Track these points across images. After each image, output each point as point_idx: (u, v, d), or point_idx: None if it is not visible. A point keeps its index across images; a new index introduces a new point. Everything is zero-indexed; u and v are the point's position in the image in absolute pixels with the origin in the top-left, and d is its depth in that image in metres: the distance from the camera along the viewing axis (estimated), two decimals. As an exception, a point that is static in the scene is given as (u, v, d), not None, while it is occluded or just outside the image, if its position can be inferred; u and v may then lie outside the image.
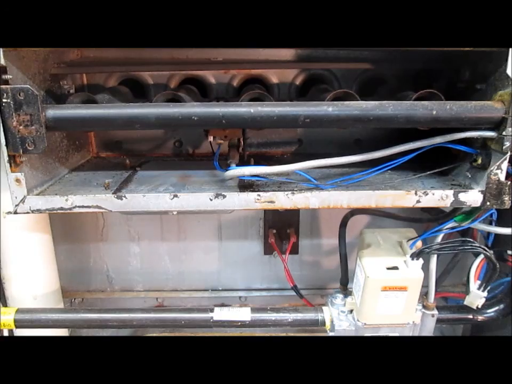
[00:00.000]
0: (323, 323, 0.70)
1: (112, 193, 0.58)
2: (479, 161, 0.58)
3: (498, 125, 0.55)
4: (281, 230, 0.93)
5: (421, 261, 0.65)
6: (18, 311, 0.69)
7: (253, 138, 0.70)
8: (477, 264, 0.70)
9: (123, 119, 0.53)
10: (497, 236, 0.72)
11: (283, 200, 0.58)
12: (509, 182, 0.56)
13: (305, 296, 0.88)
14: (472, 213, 0.65)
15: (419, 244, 0.68)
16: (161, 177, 0.66)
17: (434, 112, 0.53)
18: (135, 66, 0.73)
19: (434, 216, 0.73)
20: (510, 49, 0.53)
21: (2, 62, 0.50)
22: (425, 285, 0.68)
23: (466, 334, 0.92)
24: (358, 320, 0.68)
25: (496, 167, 0.56)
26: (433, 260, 0.69)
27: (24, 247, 0.78)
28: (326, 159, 0.58)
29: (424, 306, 0.71)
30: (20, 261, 0.80)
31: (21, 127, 0.51)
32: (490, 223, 0.69)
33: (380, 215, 0.73)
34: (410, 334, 0.69)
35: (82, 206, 0.57)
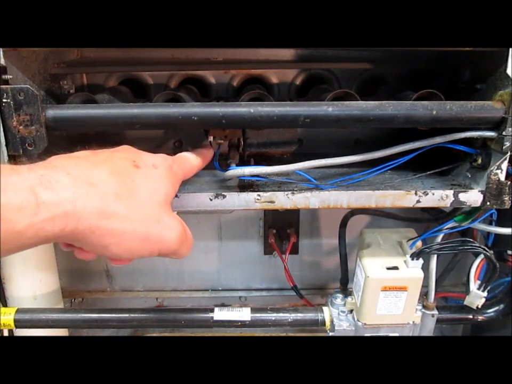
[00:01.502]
0: (323, 323, 0.70)
1: (112, 193, 0.58)
2: (479, 161, 0.58)
3: (498, 125, 0.55)
4: (281, 230, 0.93)
5: (421, 261, 0.65)
6: (18, 311, 0.69)
7: (253, 138, 0.70)
8: (477, 264, 0.70)
9: (123, 119, 0.53)
10: (497, 235, 0.72)
11: (283, 200, 0.58)
12: (509, 182, 0.56)
13: (305, 296, 0.88)
14: (472, 213, 0.65)
15: (419, 244, 0.68)
16: (161, 177, 0.66)
17: (434, 112, 0.53)
18: (135, 66, 0.72)
19: (434, 216, 0.73)
20: (510, 49, 0.53)
21: (2, 62, 0.50)
22: (425, 285, 0.68)
23: (466, 334, 0.92)
24: (358, 320, 0.68)
25: (496, 167, 0.56)
26: (433, 260, 0.69)
27: (24, 247, 0.78)
28: (326, 159, 0.58)
29: (424, 306, 0.71)
30: (20, 261, 0.80)
31: (21, 127, 0.51)
32: (490, 223, 0.69)
33: (380, 215, 0.73)
34: (410, 334, 0.69)
35: (82, 206, 0.57)
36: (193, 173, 0.51)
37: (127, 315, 0.69)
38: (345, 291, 0.75)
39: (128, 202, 0.35)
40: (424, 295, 0.72)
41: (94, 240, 0.34)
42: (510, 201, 0.57)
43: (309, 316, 0.71)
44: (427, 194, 0.58)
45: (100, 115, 0.53)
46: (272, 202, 0.58)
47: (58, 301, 0.88)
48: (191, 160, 0.51)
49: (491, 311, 0.75)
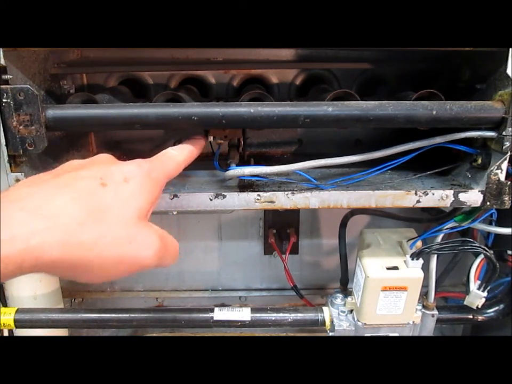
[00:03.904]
0: (323, 323, 0.70)
1: (112, 193, 0.58)
2: (479, 161, 0.58)
3: (498, 125, 0.55)
4: (281, 230, 0.93)
5: (421, 261, 0.65)
6: (18, 311, 0.69)
7: (253, 138, 0.70)
8: (477, 264, 0.70)
9: (123, 119, 0.53)
10: (497, 235, 0.72)
11: (283, 200, 0.58)
12: (509, 182, 0.56)
13: (305, 296, 0.88)
14: (472, 213, 0.65)
15: (419, 244, 0.68)
16: (161, 177, 0.66)
17: (434, 112, 0.53)
18: (135, 66, 0.73)
19: (434, 216, 0.73)
20: (510, 49, 0.53)
21: (2, 62, 0.50)
22: (425, 285, 0.68)
23: (466, 334, 0.92)
24: (358, 320, 0.68)
25: (496, 167, 0.56)
26: (433, 260, 0.69)
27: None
28: (326, 159, 0.58)
29: (424, 306, 0.71)
30: (20, 261, 0.80)
31: (21, 127, 0.51)
32: (490, 223, 0.69)
33: (380, 215, 0.73)
34: (410, 334, 0.69)
35: (82, 206, 0.57)
36: (179, 170, 0.47)
37: (127, 315, 0.69)
38: (345, 291, 0.75)
39: (94, 229, 0.33)
40: (424, 295, 0.72)
41: (61, 272, 0.33)
42: (510, 201, 0.57)
43: (309, 315, 0.71)
44: (427, 194, 0.58)
45: (100, 115, 0.53)
46: (272, 202, 0.58)
47: (58, 301, 0.88)
48: (174, 157, 0.47)
49: (491, 311, 0.75)
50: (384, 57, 0.69)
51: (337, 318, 0.70)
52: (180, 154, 0.48)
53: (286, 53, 0.73)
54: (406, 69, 0.75)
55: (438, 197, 0.58)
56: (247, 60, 0.71)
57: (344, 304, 0.71)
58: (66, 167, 0.40)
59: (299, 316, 0.70)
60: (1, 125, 0.51)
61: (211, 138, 0.63)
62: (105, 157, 0.42)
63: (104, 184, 0.36)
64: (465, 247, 0.64)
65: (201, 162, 0.60)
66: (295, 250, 0.95)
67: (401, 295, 0.64)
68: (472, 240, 0.64)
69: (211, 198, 0.58)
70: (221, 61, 0.70)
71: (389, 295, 0.64)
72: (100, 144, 0.81)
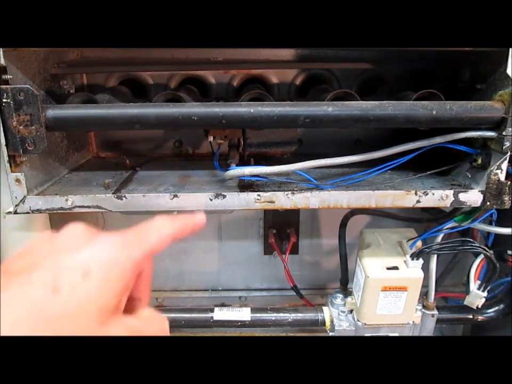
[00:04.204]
0: (323, 323, 0.70)
1: (112, 193, 0.58)
2: (479, 161, 0.58)
3: (498, 125, 0.55)
4: (281, 230, 0.93)
5: (421, 261, 0.65)
6: (18, 311, 0.69)
7: (253, 138, 0.70)
8: (477, 264, 0.70)
9: (123, 119, 0.53)
10: (497, 235, 0.72)
11: (283, 200, 0.58)
12: (509, 182, 0.56)
13: (305, 296, 0.88)
14: (472, 213, 0.65)
15: (419, 244, 0.68)
16: (161, 177, 0.67)
17: (434, 112, 0.53)
18: (135, 66, 0.73)
19: (434, 216, 0.73)
20: (510, 49, 0.53)
21: (2, 62, 0.50)
22: (425, 285, 0.68)
23: (466, 334, 0.92)
24: (358, 320, 0.68)
25: (496, 167, 0.56)
26: (433, 260, 0.69)
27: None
28: (326, 159, 0.58)
29: (424, 306, 0.71)
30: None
31: (21, 127, 0.51)
32: (490, 223, 0.69)
33: (380, 215, 0.73)
34: (410, 334, 0.69)
35: (82, 206, 0.57)
36: (165, 244, 0.37)
37: (127, 315, 0.69)
38: (345, 291, 0.75)
39: None
40: (424, 295, 0.72)
41: None
42: (510, 201, 0.57)
43: (309, 315, 0.71)
44: (427, 194, 0.58)
45: (100, 115, 0.53)
46: (272, 202, 0.58)
47: (58, 301, 0.88)
48: (159, 228, 0.38)
49: (491, 311, 0.75)
50: (384, 57, 0.69)
51: (337, 318, 0.70)
52: (167, 225, 0.38)
53: (286, 53, 0.73)
54: (406, 69, 0.75)
55: (438, 197, 0.58)
56: (247, 60, 0.71)
57: (344, 304, 0.71)
58: (26, 259, 0.33)
59: (299, 316, 0.70)
60: (1, 125, 0.51)
61: (211, 138, 0.63)
62: (73, 234, 0.35)
63: (56, 290, 0.29)
64: (465, 247, 0.64)
65: (201, 162, 0.60)
66: (295, 250, 0.95)
67: (401, 295, 0.64)
68: (472, 240, 0.64)
69: (211, 198, 0.58)
70: (221, 61, 0.70)
71: (389, 295, 0.64)
72: (99, 144, 0.82)
